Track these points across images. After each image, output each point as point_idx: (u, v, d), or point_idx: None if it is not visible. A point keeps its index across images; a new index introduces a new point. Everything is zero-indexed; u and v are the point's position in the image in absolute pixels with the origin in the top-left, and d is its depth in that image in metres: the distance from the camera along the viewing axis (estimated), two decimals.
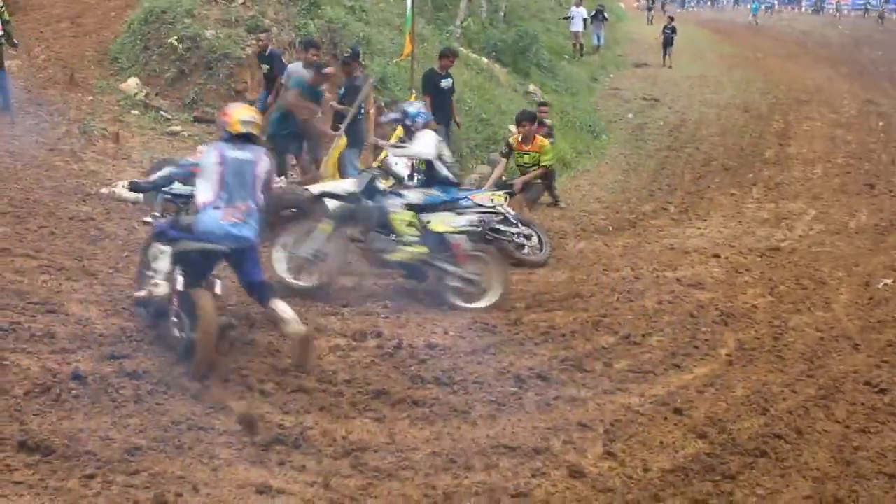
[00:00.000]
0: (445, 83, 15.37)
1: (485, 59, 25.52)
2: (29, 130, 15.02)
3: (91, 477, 5.71)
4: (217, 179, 7.68)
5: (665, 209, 16.67)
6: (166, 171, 8.20)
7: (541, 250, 12.33)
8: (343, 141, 13.55)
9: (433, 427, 7.00)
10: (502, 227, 12.10)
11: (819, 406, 7.96)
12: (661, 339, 9.43)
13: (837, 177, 19.41)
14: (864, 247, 13.80)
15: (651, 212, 16.51)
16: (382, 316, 9.35)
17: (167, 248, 7.74)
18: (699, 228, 15.14)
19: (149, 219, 9.58)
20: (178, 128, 16.68)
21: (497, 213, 11.69)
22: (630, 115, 26.50)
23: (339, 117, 14.10)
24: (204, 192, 7.68)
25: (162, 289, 7.67)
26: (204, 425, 6.55)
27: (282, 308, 7.87)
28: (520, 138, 14.55)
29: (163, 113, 17.21)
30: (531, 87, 25.92)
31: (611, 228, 15.00)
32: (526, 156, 14.69)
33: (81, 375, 6.95)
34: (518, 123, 14.33)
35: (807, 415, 7.77)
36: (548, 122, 16.51)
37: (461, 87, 18.88)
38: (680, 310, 10.39)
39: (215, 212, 7.62)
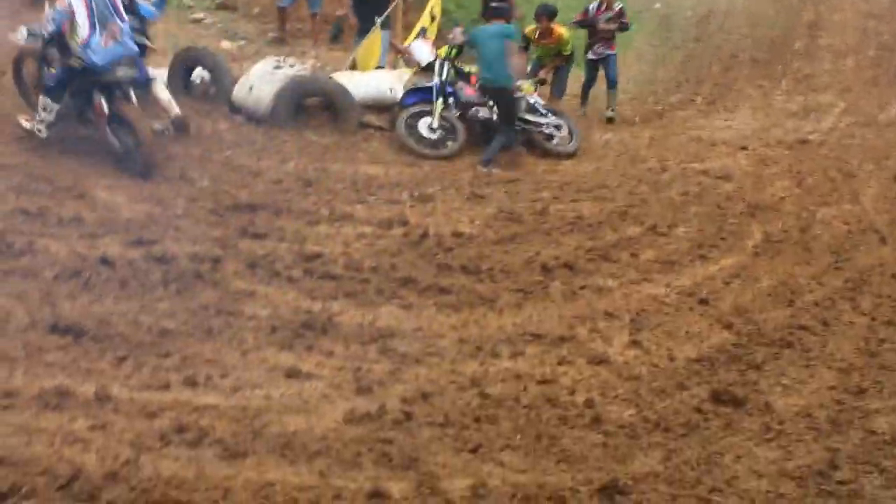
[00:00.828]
0: None
1: None
2: None
3: (122, 359, 5.77)
4: (86, 14, 8.57)
5: (692, 101, 16.45)
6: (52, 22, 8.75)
7: (570, 141, 12.23)
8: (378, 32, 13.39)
9: (459, 314, 7.03)
10: (531, 118, 12.02)
11: (845, 298, 7.96)
12: (687, 229, 9.41)
13: (868, 69, 19.06)
14: (893, 139, 13.61)
15: (678, 103, 16.30)
16: (409, 205, 9.33)
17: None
18: (727, 120, 14.96)
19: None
20: (201, 15, 16.47)
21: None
22: (657, 5, 25.97)
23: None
24: (82, 27, 8.56)
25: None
26: (232, 310, 6.60)
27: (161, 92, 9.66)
28: (536, 34, 14.17)
29: (185, 1, 17.00)
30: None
31: (637, 120, 14.84)
32: (543, 49, 14.37)
33: (110, 260, 6.99)
34: (537, 18, 13.97)
35: (833, 307, 7.77)
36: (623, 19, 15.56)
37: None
38: (706, 201, 10.34)
39: (96, 42, 8.61)
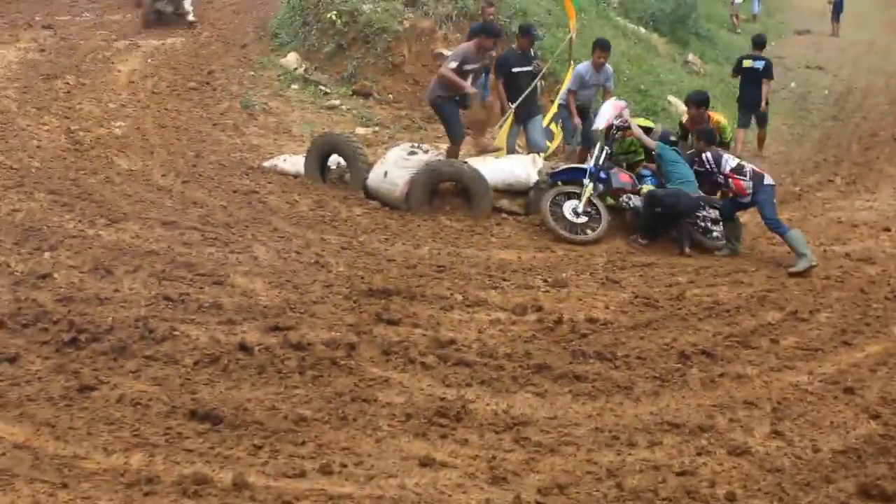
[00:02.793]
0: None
1: (643, 29, 25.09)
2: (195, 105, 15.44)
3: (259, 447, 5.81)
4: None
5: (831, 181, 16.09)
6: None
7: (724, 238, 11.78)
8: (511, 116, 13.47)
9: (595, 402, 6.91)
10: None
11: None
12: (829, 315, 9.15)
13: None
14: None
15: (816, 184, 15.97)
16: (542, 290, 9.28)
17: None
18: (868, 201, 14.58)
19: None
20: (337, 101, 16.86)
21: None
22: (793, 84, 25.66)
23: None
24: None
25: None
26: (367, 397, 6.60)
27: None
28: (684, 120, 13.76)
29: (322, 87, 17.43)
30: (690, 57, 25.39)
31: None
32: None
33: (248, 346, 7.09)
34: (687, 105, 13.61)
35: None
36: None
37: (618, 57, 18.57)
38: (849, 285, 10.05)
39: None
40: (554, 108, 14.60)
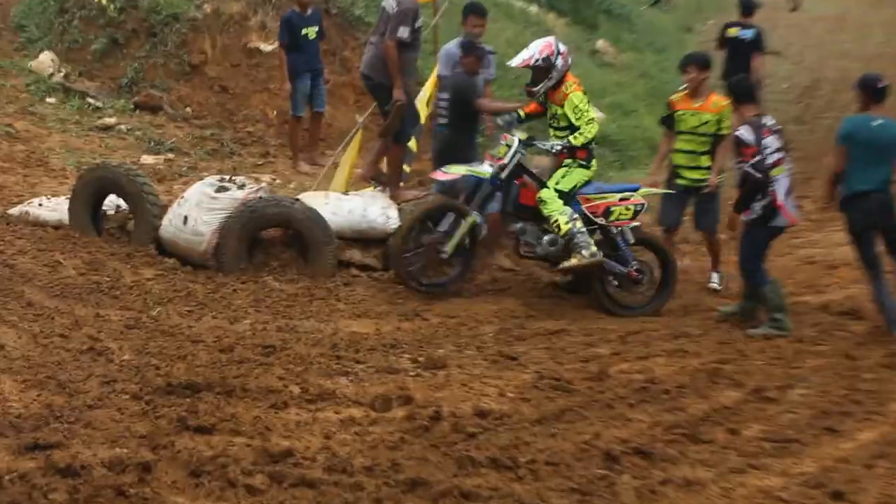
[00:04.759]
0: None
1: (534, 7, 25.50)
2: None
3: None
4: None
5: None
6: None
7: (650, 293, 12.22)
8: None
9: None
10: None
11: None
12: (805, 391, 9.35)
13: None
14: None
15: None
16: (412, 374, 9.29)
17: None
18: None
19: None
20: (113, 119, 16.76)
21: None
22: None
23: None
24: None
25: None
26: None
27: None
28: (683, 88, 13.42)
29: (90, 99, 17.31)
30: (599, 44, 25.90)
31: (722, 236, 14.87)
32: (694, 118, 13.17)
33: None
34: (682, 69, 13.52)
35: None
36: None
37: (503, 47, 18.82)
38: (830, 349, 10.28)
39: None
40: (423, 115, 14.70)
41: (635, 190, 12.14)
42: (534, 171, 12.03)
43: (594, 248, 11.56)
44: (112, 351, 9.15)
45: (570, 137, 11.73)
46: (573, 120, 11.82)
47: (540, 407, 8.72)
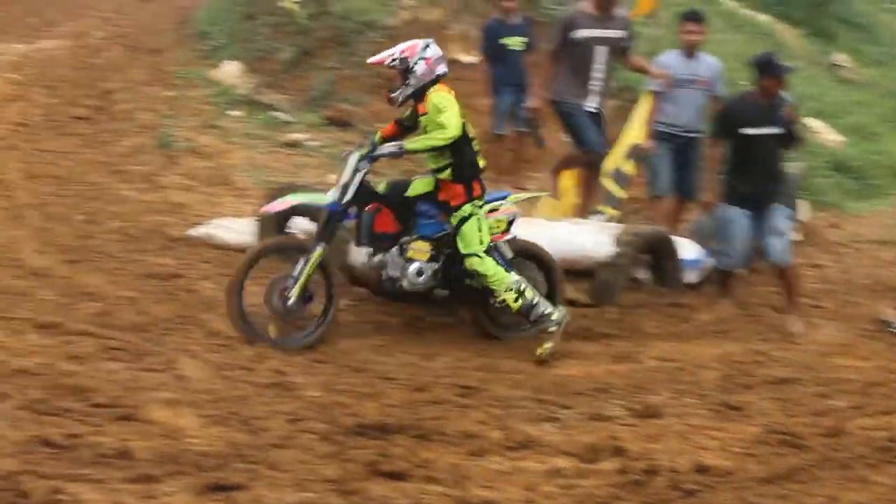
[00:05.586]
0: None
1: (764, 17, 25.28)
2: (85, 144, 15.50)
3: None
4: None
5: None
6: None
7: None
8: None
9: None
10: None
11: None
12: None
13: None
14: None
15: None
16: (624, 422, 9.27)
17: None
18: None
19: None
20: (301, 135, 16.94)
21: None
22: None
23: None
24: None
25: None
26: None
27: None
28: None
29: (278, 113, 17.56)
30: (837, 57, 25.52)
31: None
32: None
33: None
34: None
35: None
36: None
37: (729, 60, 18.68)
38: None
39: None
40: (631, 135, 14.73)
41: (504, 198, 11.80)
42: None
43: (561, 310, 11.25)
44: (299, 386, 9.29)
45: (422, 138, 11.11)
46: (438, 120, 10.90)
47: (768, 464, 8.61)
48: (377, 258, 11.18)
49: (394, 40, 17.76)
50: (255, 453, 7.99)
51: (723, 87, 14.52)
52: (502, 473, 8.16)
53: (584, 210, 14.19)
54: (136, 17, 21.29)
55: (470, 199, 11.02)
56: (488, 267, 10.89)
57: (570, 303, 11.89)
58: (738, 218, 12.54)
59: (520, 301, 10.94)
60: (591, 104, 13.90)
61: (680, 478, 8.22)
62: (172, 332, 10.14)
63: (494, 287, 10.91)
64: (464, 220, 10.95)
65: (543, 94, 14.29)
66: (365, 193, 11.08)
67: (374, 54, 17.38)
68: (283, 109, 17.54)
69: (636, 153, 14.44)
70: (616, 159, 14.49)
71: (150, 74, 18.41)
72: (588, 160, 14.18)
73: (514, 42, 16.14)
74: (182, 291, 11.22)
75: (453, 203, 11.02)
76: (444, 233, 11.21)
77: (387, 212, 11.19)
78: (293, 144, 16.56)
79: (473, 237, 10.95)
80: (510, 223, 11.61)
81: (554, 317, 11.02)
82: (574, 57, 13.77)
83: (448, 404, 9.23)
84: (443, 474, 8.01)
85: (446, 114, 10.81)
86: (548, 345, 10.92)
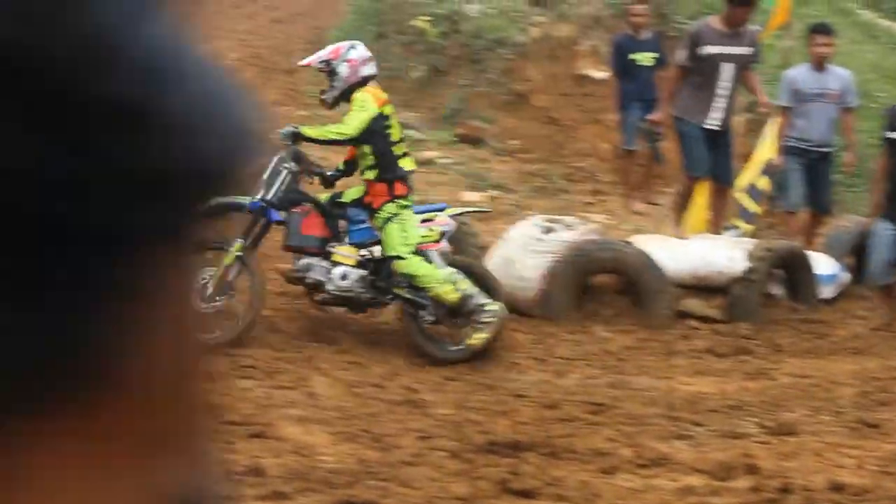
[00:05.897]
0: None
1: None
2: None
3: None
4: None
5: None
6: None
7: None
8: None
9: None
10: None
11: None
12: None
13: None
14: None
15: None
16: (758, 440, 9.19)
17: None
18: None
19: None
20: (434, 153, 17.00)
21: None
22: None
23: None
24: None
25: None
26: None
27: None
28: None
29: (411, 131, 17.63)
30: None
31: None
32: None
33: None
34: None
35: None
36: None
37: (865, 72, 18.49)
38: None
39: None
40: (765, 151, 14.64)
41: (441, 210, 11.64)
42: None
43: (498, 304, 10.99)
44: (430, 404, 9.33)
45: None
46: (343, 117, 11.17)
47: None
48: (303, 261, 11.14)
49: (525, 58, 17.91)
50: (385, 470, 8.04)
51: (856, 99, 14.39)
52: (633, 491, 8.14)
53: (716, 226, 14.11)
54: (271, 37, 21.49)
55: (393, 198, 11.05)
56: (415, 267, 10.91)
57: (704, 319, 11.83)
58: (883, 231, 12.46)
59: (456, 293, 10.86)
60: (713, 121, 13.84)
61: (815, 496, 8.14)
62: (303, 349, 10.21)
63: (427, 284, 10.89)
64: (387, 220, 11.01)
65: (667, 109, 14.30)
66: (295, 194, 11.24)
67: (505, 72, 17.63)
68: (415, 127, 17.60)
69: (771, 169, 14.35)
70: (750, 175, 14.41)
71: (284, 94, 18.59)
72: (689, 182, 14.15)
73: (644, 58, 16.10)
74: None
75: (376, 204, 11.08)
76: (374, 240, 11.25)
77: (316, 215, 11.28)
78: (426, 162, 16.58)
79: (396, 238, 10.99)
80: (443, 234, 11.48)
81: (489, 307, 10.90)
82: (700, 73, 13.74)
83: (579, 422, 9.21)
84: (573, 492, 8.00)
85: (353, 112, 11.02)
86: (482, 335, 10.79)
